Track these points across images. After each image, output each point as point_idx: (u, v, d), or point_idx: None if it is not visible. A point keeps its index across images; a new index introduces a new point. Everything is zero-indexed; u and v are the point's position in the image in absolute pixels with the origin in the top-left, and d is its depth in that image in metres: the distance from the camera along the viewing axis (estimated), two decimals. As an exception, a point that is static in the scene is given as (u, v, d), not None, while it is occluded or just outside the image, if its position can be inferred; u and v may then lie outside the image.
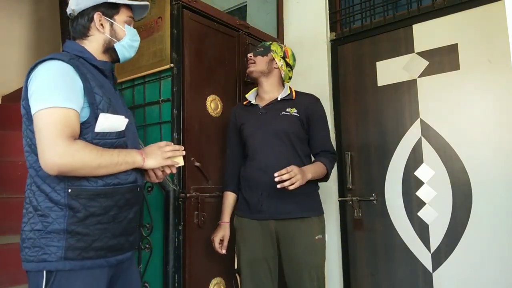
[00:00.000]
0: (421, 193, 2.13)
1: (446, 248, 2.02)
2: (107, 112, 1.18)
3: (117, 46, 1.31)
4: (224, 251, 1.80)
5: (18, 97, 1.23)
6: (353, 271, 2.32)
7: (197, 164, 1.88)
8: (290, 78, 1.96)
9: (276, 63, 1.87)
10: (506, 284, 1.84)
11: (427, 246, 2.08)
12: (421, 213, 2.11)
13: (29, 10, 3.65)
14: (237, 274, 1.83)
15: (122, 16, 1.32)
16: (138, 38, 1.38)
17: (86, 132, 1.15)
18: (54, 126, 1.07)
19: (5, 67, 3.35)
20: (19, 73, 3.42)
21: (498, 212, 1.90)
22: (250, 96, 1.91)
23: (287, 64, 1.91)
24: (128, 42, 1.32)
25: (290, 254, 1.70)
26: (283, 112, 1.79)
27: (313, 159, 1.86)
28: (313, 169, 1.70)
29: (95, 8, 1.28)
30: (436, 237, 2.05)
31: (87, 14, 1.27)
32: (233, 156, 1.90)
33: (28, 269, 1.13)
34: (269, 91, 1.88)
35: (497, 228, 1.89)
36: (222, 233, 1.81)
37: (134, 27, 1.37)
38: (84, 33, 1.28)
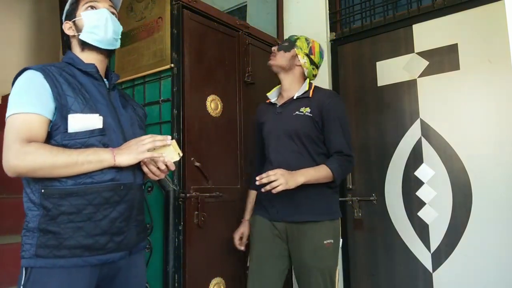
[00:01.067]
0: (421, 193, 2.13)
1: (446, 248, 2.02)
2: (82, 112, 1.19)
3: (82, 36, 1.30)
4: (243, 248, 1.86)
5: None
6: (353, 271, 2.32)
7: (197, 164, 1.88)
8: (314, 76, 1.88)
9: (299, 60, 1.81)
10: (506, 284, 1.84)
11: (427, 246, 2.08)
12: (421, 213, 2.11)
13: (29, 10, 3.65)
14: (247, 271, 1.84)
15: (80, 9, 1.31)
16: (102, 16, 1.30)
17: (55, 134, 1.18)
18: (12, 131, 1.13)
19: (5, 67, 3.34)
20: (19, 73, 3.42)
21: (498, 212, 1.90)
22: (272, 94, 1.88)
23: (312, 62, 1.83)
24: (89, 26, 1.29)
25: (299, 256, 1.68)
26: (297, 112, 1.74)
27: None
28: (309, 173, 1.61)
29: (65, 18, 1.35)
30: (436, 237, 2.05)
31: (63, 27, 1.35)
32: (258, 154, 1.93)
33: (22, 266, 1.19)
34: (288, 89, 1.83)
35: (497, 228, 1.89)
36: (242, 230, 1.87)
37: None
38: (68, 44, 1.37)
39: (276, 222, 1.72)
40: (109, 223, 1.20)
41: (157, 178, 1.34)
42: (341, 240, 1.75)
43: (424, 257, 2.08)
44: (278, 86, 1.90)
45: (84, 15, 1.30)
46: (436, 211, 2.07)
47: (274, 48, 1.85)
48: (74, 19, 1.32)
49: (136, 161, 1.21)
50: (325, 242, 1.65)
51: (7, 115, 1.16)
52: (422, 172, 2.13)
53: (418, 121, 2.17)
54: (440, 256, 2.04)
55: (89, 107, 1.21)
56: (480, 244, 1.93)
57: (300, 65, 1.81)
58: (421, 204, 2.12)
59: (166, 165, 1.29)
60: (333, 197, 1.74)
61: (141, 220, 1.34)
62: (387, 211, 2.22)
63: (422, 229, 2.10)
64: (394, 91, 2.26)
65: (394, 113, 2.26)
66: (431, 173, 2.10)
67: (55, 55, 3.58)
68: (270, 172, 1.52)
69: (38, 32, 3.65)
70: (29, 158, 1.10)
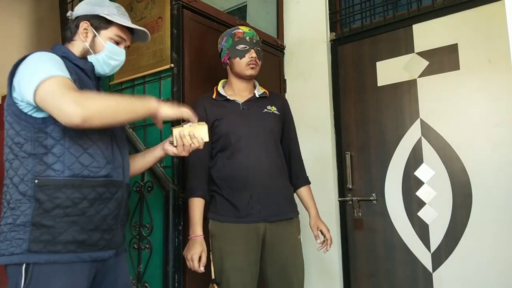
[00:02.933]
0: (421, 193, 2.13)
1: (446, 248, 2.02)
2: None
3: (91, 58, 1.31)
4: (202, 269, 1.56)
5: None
6: (353, 271, 2.32)
7: (197, 164, 1.87)
8: None
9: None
10: (506, 284, 1.84)
11: (427, 246, 2.08)
12: (421, 213, 2.11)
13: (29, 10, 3.65)
14: (214, 285, 1.61)
15: (109, 33, 1.31)
16: (120, 58, 1.34)
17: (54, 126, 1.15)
18: (59, 86, 1.07)
19: (4, 67, 3.31)
20: (19, 73, 3.42)
21: (498, 212, 1.90)
22: (221, 89, 1.76)
23: None
24: (103, 58, 1.31)
25: (277, 257, 1.64)
26: (265, 110, 1.73)
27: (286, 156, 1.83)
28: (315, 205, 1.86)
29: (87, 17, 1.30)
30: (436, 237, 2.05)
31: (78, 20, 1.31)
32: (202, 156, 1.65)
33: (1, 263, 1.12)
34: (248, 88, 1.77)
35: (497, 228, 1.89)
36: (200, 249, 1.57)
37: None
38: (70, 37, 1.32)
39: (255, 224, 1.61)
40: (101, 219, 1.19)
41: (183, 154, 1.37)
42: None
43: (424, 257, 2.08)
44: (223, 81, 1.81)
45: (109, 46, 1.31)
46: (436, 211, 2.07)
47: (256, 57, 1.71)
48: (96, 34, 1.30)
49: (177, 115, 1.27)
50: (298, 237, 1.72)
51: (37, 81, 1.07)
52: (422, 172, 2.13)
53: (418, 121, 2.17)
54: (440, 256, 2.04)
55: None
56: (480, 244, 1.93)
57: None
58: (421, 204, 2.12)
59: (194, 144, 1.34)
60: (293, 195, 1.82)
61: (125, 220, 1.34)
62: (387, 211, 2.22)
63: (422, 229, 2.10)
64: (394, 91, 2.26)
65: (394, 113, 2.26)
66: (431, 173, 2.10)
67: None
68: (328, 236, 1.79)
69: (38, 32, 3.64)
70: (92, 100, 1.08)
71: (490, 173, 1.93)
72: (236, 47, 1.70)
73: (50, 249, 1.10)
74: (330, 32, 2.52)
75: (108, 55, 1.31)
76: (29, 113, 1.14)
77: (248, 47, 1.70)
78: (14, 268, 1.10)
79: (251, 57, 1.69)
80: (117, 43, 1.33)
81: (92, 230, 1.17)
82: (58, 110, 1.06)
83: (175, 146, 1.36)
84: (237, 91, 1.76)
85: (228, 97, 1.73)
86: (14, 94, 1.16)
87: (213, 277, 1.64)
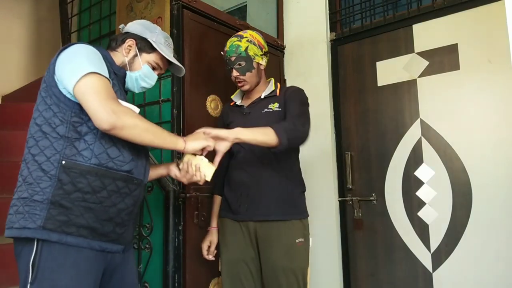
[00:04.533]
0: (421, 193, 2.13)
1: (446, 248, 2.02)
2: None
3: (130, 75, 1.38)
4: (211, 257, 1.76)
5: (18, 97, 1.25)
6: (353, 271, 2.32)
7: (197, 164, 1.88)
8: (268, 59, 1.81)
9: (261, 64, 1.74)
10: (506, 284, 1.84)
11: (427, 246, 2.08)
12: (421, 213, 2.11)
13: (29, 10, 3.65)
14: (219, 278, 1.80)
15: (150, 57, 1.39)
16: (151, 82, 1.42)
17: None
18: (102, 89, 1.15)
19: (5, 67, 3.34)
20: (19, 73, 3.42)
21: (498, 212, 1.90)
22: (236, 97, 1.83)
23: (265, 53, 1.76)
24: (137, 77, 1.38)
25: (268, 257, 1.63)
26: (266, 109, 1.73)
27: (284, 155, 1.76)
28: (251, 130, 1.50)
29: (135, 36, 1.38)
30: (436, 237, 2.05)
31: (126, 36, 1.39)
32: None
33: (8, 236, 1.15)
34: (256, 91, 1.78)
35: (497, 228, 1.89)
36: (209, 239, 1.77)
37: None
38: (114, 47, 1.39)
39: (245, 222, 1.67)
40: (116, 212, 1.23)
41: (183, 181, 1.45)
42: (311, 240, 1.73)
43: (424, 257, 2.08)
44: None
45: (145, 68, 1.38)
46: (436, 211, 2.07)
47: (237, 75, 1.68)
48: (138, 54, 1.37)
49: (203, 145, 1.35)
50: (297, 241, 1.64)
51: (82, 72, 1.14)
52: (422, 172, 2.13)
53: (418, 121, 2.17)
54: (440, 256, 2.04)
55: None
56: (480, 244, 1.93)
57: (263, 67, 1.77)
58: (421, 204, 2.12)
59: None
60: (300, 198, 1.74)
61: (137, 220, 1.37)
62: (387, 211, 2.22)
63: (422, 229, 2.10)
64: (394, 91, 2.26)
65: (394, 113, 2.26)
66: (431, 173, 2.10)
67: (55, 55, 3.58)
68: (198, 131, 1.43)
69: (38, 32, 3.64)
70: (129, 115, 1.16)
71: (490, 173, 1.93)
72: (226, 67, 1.75)
73: (63, 230, 1.13)
74: (330, 32, 2.52)
75: (141, 76, 1.38)
76: (68, 96, 1.18)
77: (229, 67, 1.71)
78: (23, 242, 1.13)
79: (233, 76, 1.71)
80: (153, 68, 1.41)
81: (106, 220, 1.20)
82: (93, 112, 1.13)
83: (179, 169, 1.44)
84: (248, 96, 1.82)
85: (237, 103, 1.81)
86: (55, 78, 1.19)
87: (219, 269, 1.76)
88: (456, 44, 2.08)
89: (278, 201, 1.66)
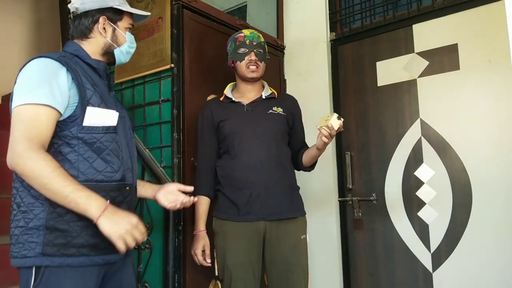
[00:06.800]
0: (421, 193, 2.13)
1: (446, 248, 2.02)
2: (99, 107, 1.20)
3: (116, 51, 1.34)
4: (209, 261, 1.68)
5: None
6: (353, 271, 2.32)
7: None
8: None
9: (268, 58, 1.82)
10: (506, 284, 1.84)
11: (427, 246, 2.08)
12: (421, 213, 2.11)
13: (29, 10, 3.65)
14: (218, 282, 1.71)
15: (124, 23, 1.35)
16: (135, 45, 1.41)
17: (72, 125, 1.16)
18: (20, 125, 1.10)
19: (5, 67, 3.34)
20: (19, 73, 3.42)
21: (498, 212, 1.90)
22: (228, 92, 1.80)
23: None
24: (126, 49, 1.36)
25: (278, 256, 1.65)
26: (270, 111, 1.76)
27: (295, 154, 1.85)
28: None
29: (100, 11, 1.29)
30: (436, 237, 2.05)
31: (91, 15, 1.29)
32: (208, 156, 1.76)
33: (14, 265, 1.14)
34: (255, 89, 1.81)
35: (497, 228, 1.89)
36: (202, 243, 1.69)
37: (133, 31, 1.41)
38: (85, 34, 1.30)
39: (254, 223, 1.64)
40: None
41: (173, 209, 1.50)
42: (308, 236, 1.78)
43: (424, 257, 2.08)
44: (231, 84, 1.86)
45: (129, 37, 1.36)
46: (436, 211, 2.07)
47: (256, 59, 1.74)
48: (115, 28, 1.33)
49: (113, 240, 1.09)
50: (302, 237, 1.71)
51: (14, 104, 1.11)
52: (422, 172, 2.13)
53: (418, 121, 2.17)
54: (440, 256, 2.04)
55: (104, 103, 1.22)
56: (480, 244, 1.93)
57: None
58: (421, 204, 2.12)
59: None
60: (299, 194, 1.80)
61: None
62: (387, 211, 2.22)
63: (422, 229, 2.10)
64: (394, 91, 2.26)
65: (394, 113, 2.26)
66: (431, 173, 2.10)
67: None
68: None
69: (38, 32, 3.65)
70: (30, 164, 1.06)
71: (490, 173, 1.93)
72: (238, 51, 1.76)
73: (63, 253, 1.11)
74: (330, 32, 2.52)
75: (129, 46, 1.37)
76: None
77: (247, 50, 1.75)
78: (26, 270, 1.11)
79: (250, 59, 1.73)
80: (129, 31, 1.38)
81: None
82: (10, 143, 1.09)
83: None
84: (243, 93, 1.81)
85: (233, 99, 1.78)
86: None
87: (216, 274, 1.71)
88: (456, 44, 2.08)
89: (286, 199, 1.70)
